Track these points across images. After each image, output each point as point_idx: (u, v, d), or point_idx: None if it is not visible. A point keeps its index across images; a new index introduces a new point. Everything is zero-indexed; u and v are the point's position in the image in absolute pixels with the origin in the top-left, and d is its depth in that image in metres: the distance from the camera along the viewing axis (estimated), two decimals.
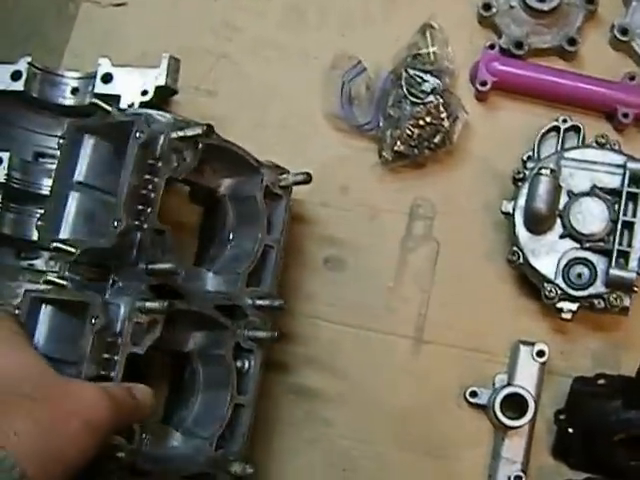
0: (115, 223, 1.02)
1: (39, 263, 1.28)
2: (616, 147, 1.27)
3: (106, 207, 1.12)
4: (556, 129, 1.31)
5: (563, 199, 1.25)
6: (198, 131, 1.07)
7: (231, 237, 1.23)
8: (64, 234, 1.11)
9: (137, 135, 1.04)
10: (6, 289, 1.26)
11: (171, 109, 1.34)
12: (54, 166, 1.26)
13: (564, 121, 1.31)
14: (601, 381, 1.22)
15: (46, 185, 1.24)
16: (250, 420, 1.17)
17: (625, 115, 1.32)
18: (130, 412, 0.95)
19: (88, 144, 1.15)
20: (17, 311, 1.00)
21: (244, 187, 1.21)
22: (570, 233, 1.24)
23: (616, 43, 1.38)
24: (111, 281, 1.08)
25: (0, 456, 0.79)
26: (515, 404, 1.23)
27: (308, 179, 1.21)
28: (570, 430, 1.24)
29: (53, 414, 0.85)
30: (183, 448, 1.15)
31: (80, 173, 1.14)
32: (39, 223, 1.14)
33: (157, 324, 1.04)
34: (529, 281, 1.29)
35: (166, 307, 1.02)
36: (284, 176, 1.21)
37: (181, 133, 1.06)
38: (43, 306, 1.02)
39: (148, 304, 1.02)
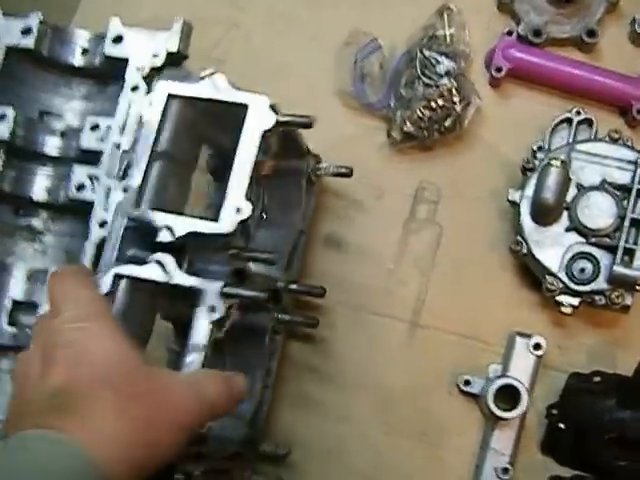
0: (236, 209, 0.96)
1: (37, 222, 1.27)
2: (629, 143, 1.24)
3: (178, 179, 1.07)
4: (568, 121, 1.28)
5: (572, 192, 1.22)
6: (305, 121, 1.03)
7: (263, 218, 1.21)
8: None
9: (262, 119, 0.99)
10: (1, 246, 1.24)
11: None
12: (59, 125, 1.25)
13: (577, 113, 1.27)
14: (597, 378, 1.20)
15: (50, 144, 1.22)
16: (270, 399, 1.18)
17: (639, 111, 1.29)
18: (221, 409, 0.89)
19: (172, 112, 1.07)
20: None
21: (288, 171, 1.18)
22: (576, 227, 1.21)
23: (636, 37, 1.34)
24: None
25: (86, 461, 0.73)
26: (508, 395, 1.20)
27: (349, 173, 1.19)
28: (561, 426, 1.22)
29: (144, 413, 0.79)
30: (215, 427, 1.13)
31: (162, 142, 1.06)
32: (123, 195, 1.08)
33: (234, 308, 0.99)
34: (531, 272, 1.26)
35: (264, 296, 0.98)
36: (324, 165, 1.19)
37: (286, 119, 1.02)
38: (123, 283, 0.98)
39: (241, 291, 0.96)
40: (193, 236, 0.97)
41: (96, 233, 1.16)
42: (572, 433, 1.21)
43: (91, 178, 1.18)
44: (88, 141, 1.19)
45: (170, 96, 1.03)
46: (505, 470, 1.22)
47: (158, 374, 0.86)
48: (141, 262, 0.99)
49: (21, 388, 0.86)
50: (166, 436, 0.80)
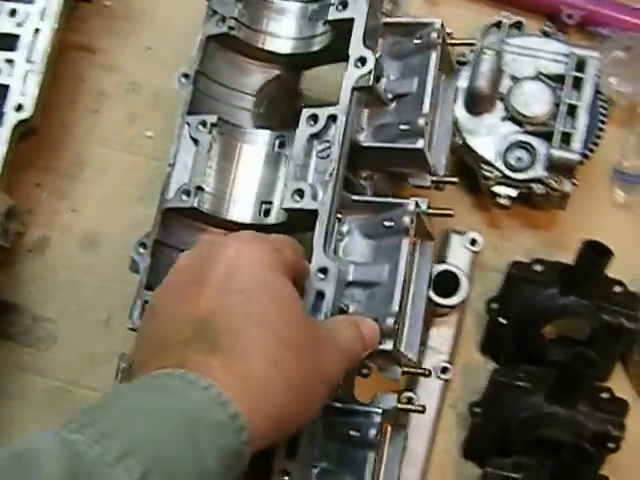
0: None
1: None
2: (561, 38, 1.19)
3: None
4: (498, 25, 1.21)
5: (506, 83, 1.15)
6: None
7: None
8: None
9: None
10: None
11: None
12: None
13: (507, 18, 1.21)
14: (538, 267, 1.10)
15: None
16: None
17: (569, 16, 1.23)
18: (356, 357, 0.78)
19: None
20: None
21: None
22: (512, 116, 1.13)
23: None
24: None
25: (228, 413, 0.60)
26: (446, 288, 1.09)
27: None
28: (502, 320, 1.12)
29: (299, 365, 0.66)
30: None
31: None
32: None
33: None
34: (466, 172, 1.18)
35: None
36: None
37: None
38: None
39: None
40: None
41: (12, 117, 1.09)
42: (513, 328, 1.12)
43: (8, 62, 1.11)
44: (5, 26, 1.11)
45: None
46: (444, 369, 1.11)
47: (316, 326, 0.73)
48: None
49: (158, 315, 0.70)
50: (315, 392, 0.68)
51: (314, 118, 0.93)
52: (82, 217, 1.19)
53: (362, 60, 0.92)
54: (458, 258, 1.14)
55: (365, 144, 0.95)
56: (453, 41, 0.99)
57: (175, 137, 1.00)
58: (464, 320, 1.15)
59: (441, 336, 1.13)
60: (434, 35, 0.96)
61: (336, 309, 0.85)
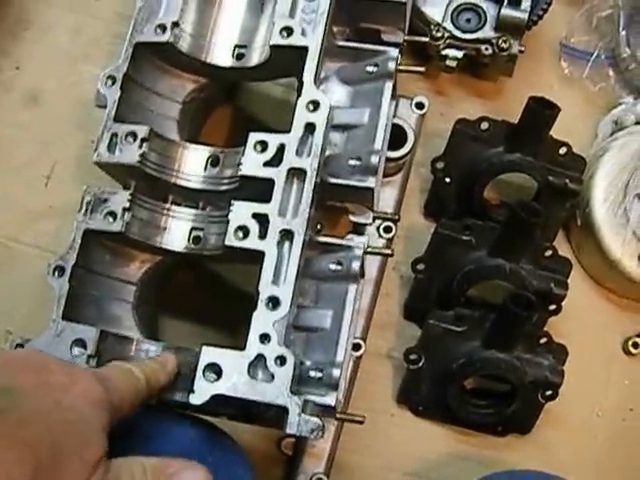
0: None
1: None
2: None
3: None
4: None
5: None
6: None
7: None
8: None
9: None
10: None
11: None
12: None
13: None
14: (484, 125, 1.06)
15: None
16: None
17: None
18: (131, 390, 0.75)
19: None
20: None
21: None
22: None
23: None
24: None
25: None
26: (393, 142, 1.05)
27: None
28: (447, 180, 1.09)
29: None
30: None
31: None
32: None
33: None
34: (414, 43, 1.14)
35: None
36: None
37: None
38: None
39: None
40: None
41: None
42: (457, 187, 1.08)
43: None
44: None
45: None
46: (387, 229, 1.07)
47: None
48: None
49: None
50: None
51: None
52: (25, 74, 1.14)
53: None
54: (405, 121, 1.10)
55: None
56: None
57: None
58: (408, 181, 1.12)
59: (385, 198, 1.09)
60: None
61: (325, 146, 0.83)
